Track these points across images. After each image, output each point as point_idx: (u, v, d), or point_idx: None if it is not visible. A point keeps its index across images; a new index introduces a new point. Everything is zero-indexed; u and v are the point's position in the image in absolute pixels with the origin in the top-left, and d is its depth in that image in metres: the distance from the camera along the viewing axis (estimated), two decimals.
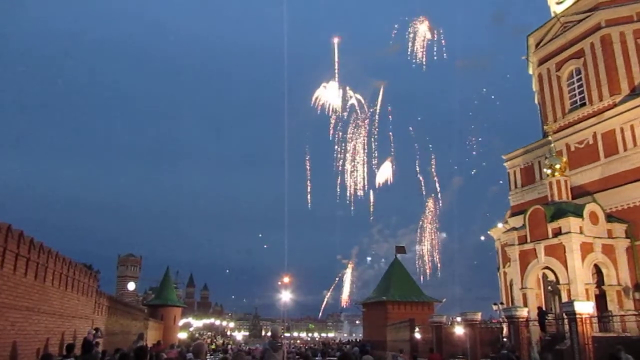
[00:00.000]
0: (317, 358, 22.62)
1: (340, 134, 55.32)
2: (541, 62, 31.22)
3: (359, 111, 55.62)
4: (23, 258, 11.92)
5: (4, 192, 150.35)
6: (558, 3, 31.79)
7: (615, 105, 25.82)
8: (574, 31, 28.90)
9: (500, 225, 32.56)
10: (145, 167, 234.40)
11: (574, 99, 28.88)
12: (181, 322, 57.94)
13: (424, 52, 47.63)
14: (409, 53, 47.41)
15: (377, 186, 56.23)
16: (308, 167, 61.83)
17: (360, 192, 54.99)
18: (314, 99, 53.54)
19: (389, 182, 56.65)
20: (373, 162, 56.63)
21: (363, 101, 56.66)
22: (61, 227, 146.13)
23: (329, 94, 53.31)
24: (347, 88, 55.19)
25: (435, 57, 48.23)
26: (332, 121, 54.61)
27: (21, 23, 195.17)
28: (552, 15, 31.61)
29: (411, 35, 47.27)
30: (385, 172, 56.45)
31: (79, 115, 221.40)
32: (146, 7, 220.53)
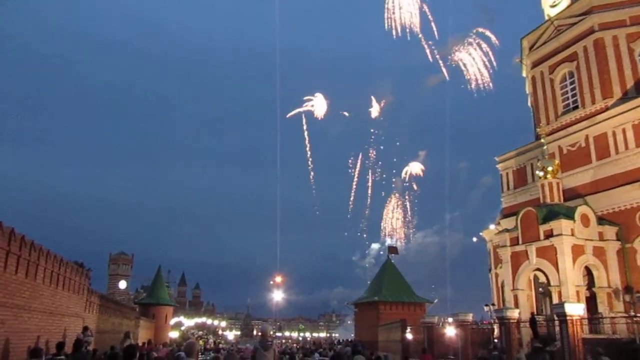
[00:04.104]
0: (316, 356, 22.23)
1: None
2: (534, 64, 31.38)
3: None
4: (14, 256, 11.84)
5: None
6: (552, 6, 31.97)
7: (607, 108, 26.00)
8: (567, 34, 29.07)
9: (492, 226, 32.72)
10: (138, 165, 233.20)
11: (567, 102, 29.05)
12: (173, 321, 57.74)
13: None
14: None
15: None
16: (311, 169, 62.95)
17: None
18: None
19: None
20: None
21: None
22: (52, 225, 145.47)
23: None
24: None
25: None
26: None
27: (17, 21, 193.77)
28: (546, 18, 31.78)
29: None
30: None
31: (70, 112, 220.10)
32: (142, 5, 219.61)
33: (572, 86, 28.90)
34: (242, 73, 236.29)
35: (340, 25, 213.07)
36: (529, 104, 34.11)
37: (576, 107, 28.19)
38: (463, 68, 42.76)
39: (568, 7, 29.84)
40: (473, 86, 42.57)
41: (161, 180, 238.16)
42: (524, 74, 34.33)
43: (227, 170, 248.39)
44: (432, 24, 45.81)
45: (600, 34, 27.32)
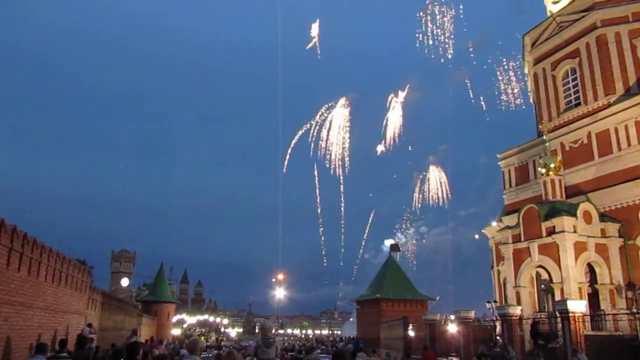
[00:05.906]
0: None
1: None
2: (537, 61, 31.28)
3: None
4: (17, 253, 11.85)
5: None
6: (554, 3, 31.85)
7: (609, 105, 25.91)
8: (569, 31, 28.96)
9: (494, 223, 32.65)
10: (139, 163, 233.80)
11: (569, 99, 28.96)
12: (175, 319, 57.86)
13: None
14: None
15: None
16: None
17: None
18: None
19: None
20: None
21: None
22: (55, 223, 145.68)
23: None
24: None
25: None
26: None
27: (16, 19, 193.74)
28: (548, 14, 31.67)
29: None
30: None
31: (72, 110, 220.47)
32: (143, 5, 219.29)
33: (574, 83, 28.79)
34: (243, 72, 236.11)
35: (346, 25, 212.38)
36: (531, 100, 34.02)
37: (578, 104, 28.10)
38: (496, 85, 42.27)
39: (570, 3, 29.71)
40: (502, 105, 42.28)
41: (163, 177, 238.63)
42: (525, 71, 34.23)
43: (230, 168, 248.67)
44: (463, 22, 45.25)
45: (602, 31, 27.20)
